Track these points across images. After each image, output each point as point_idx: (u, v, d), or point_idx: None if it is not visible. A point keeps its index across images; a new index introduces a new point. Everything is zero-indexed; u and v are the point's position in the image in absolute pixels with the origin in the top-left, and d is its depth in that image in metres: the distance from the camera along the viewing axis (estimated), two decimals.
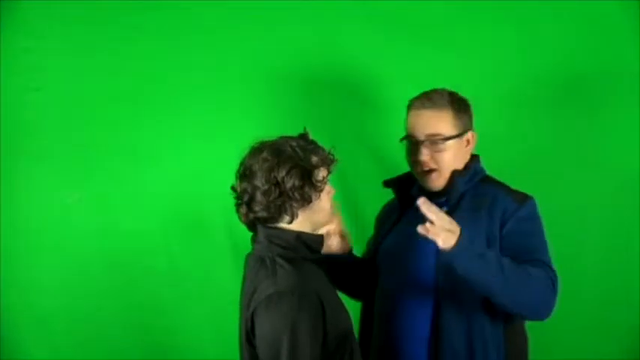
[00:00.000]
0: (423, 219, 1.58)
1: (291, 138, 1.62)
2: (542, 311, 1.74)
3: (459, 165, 1.86)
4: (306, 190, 1.57)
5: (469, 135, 1.88)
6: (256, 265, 1.61)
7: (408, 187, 1.95)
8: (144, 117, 2.23)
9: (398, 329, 1.82)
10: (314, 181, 1.58)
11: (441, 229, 1.58)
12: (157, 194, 2.18)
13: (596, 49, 2.33)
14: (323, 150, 1.63)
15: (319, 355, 1.49)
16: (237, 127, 2.15)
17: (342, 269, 1.95)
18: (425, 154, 1.83)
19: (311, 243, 1.63)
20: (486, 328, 1.75)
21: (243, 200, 1.60)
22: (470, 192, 1.85)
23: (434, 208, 1.59)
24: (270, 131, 1.60)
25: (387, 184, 1.97)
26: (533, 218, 1.81)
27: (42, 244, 2.17)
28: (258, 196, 1.57)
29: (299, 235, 1.61)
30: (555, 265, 1.77)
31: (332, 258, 1.84)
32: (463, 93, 1.90)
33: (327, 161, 1.63)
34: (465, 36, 2.33)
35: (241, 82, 2.27)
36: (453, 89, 1.88)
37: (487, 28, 2.33)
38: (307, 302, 1.50)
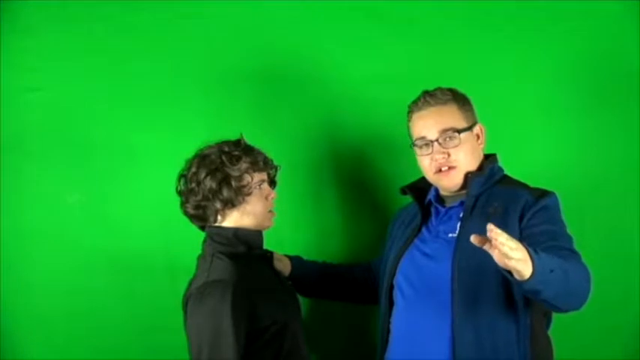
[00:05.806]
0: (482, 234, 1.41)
1: (227, 143, 1.76)
2: (580, 303, 1.62)
3: (475, 162, 1.78)
4: (224, 193, 1.70)
5: (478, 128, 1.82)
6: (200, 262, 1.74)
7: (423, 193, 1.87)
8: (144, 117, 2.23)
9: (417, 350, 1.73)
10: (234, 186, 1.70)
11: (518, 260, 1.38)
12: (157, 194, 2.18)
13: (596, 48, 2.34)
14: (258, 156, 1.76)
15: (241, 344, 1.59)
16: (238, 128, 2.15)
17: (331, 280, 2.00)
18: (441, 152, 1.75)
19: (248, 239, 1.74)
20: (504, 333, 1.64)
21: (182, 199, 1.78)
22: (485, 194, 1.75)
23: (504, 237, 1.37)
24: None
25: (405, 190, 1.90)
26: (551, 208, 1.70)
27: (42, 244, 2.16)
28: (190, 196, 1.75)
29: (236, 232, 1.73)
30: None
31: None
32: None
33: (260, 167, 1.75)
34: (465, 36, 2.33)
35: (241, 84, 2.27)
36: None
37: (487, 28, 2.33)
38: (233, 292, 1.59)
